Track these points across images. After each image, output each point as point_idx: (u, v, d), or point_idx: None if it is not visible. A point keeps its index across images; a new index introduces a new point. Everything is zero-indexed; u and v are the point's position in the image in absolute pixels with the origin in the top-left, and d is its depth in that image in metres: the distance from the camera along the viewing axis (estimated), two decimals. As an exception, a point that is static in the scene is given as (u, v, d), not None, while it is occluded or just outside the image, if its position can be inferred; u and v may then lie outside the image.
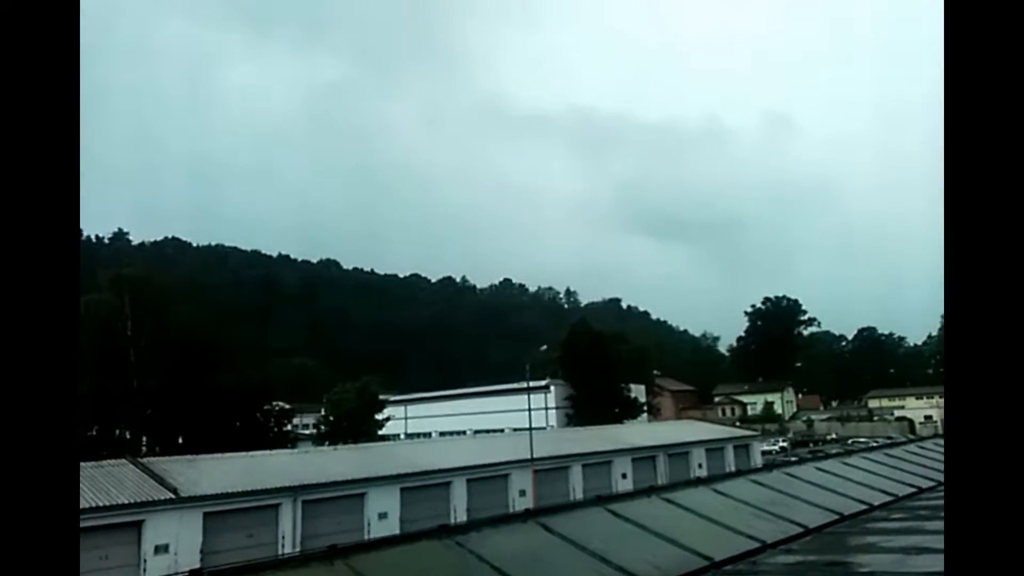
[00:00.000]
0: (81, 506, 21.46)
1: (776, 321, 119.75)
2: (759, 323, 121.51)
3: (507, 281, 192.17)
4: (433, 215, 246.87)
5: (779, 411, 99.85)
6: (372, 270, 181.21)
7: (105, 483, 23.69)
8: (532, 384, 49.38)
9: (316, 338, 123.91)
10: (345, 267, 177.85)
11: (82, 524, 20.99)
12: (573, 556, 6.71)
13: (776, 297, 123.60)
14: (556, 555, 6.76)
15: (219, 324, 76.48)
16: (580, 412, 60.01)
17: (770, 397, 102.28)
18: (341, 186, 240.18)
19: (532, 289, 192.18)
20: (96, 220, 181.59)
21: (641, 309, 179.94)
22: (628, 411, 62.69)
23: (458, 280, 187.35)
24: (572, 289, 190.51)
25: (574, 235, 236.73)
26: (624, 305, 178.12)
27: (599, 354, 62.29)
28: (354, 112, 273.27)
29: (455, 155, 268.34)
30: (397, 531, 27.29)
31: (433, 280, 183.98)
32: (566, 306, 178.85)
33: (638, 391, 67.05)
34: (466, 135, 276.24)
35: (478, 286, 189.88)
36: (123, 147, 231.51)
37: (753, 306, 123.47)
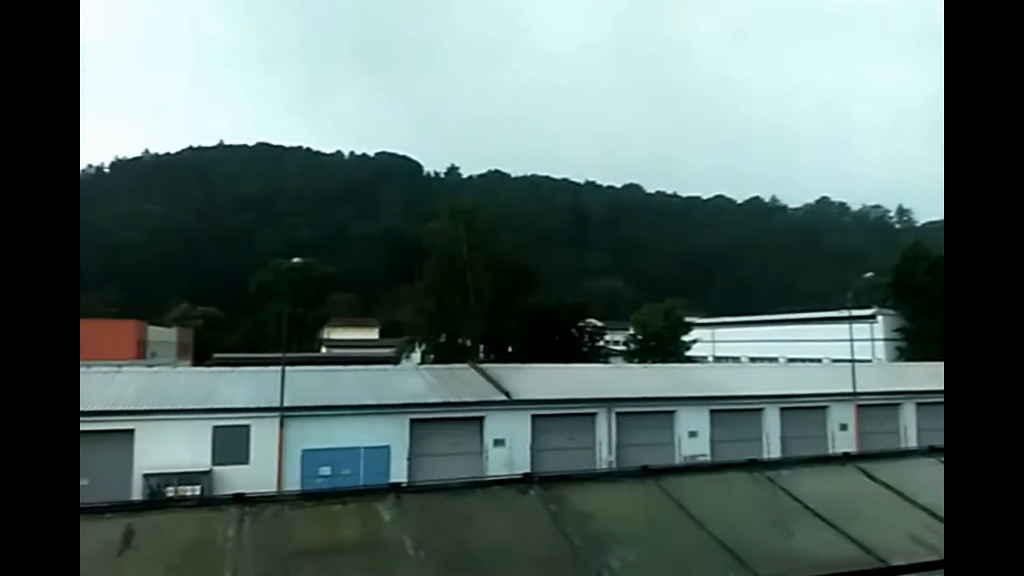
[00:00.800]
0: (435, 401, 25.78)
1: None
2: None
3: (824, 200, 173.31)
4: (738, 134, 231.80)
5: None
6: (675, 193, 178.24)
7: (454, 384, 28.04)
8: (855, 313, 44.77)
9: (621, 261, 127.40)
10: (648, 191, 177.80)
11: (436, 416, 25.31)
12: (900, 509, 6.21)
13: None
14: (880, 505, 6.30)
15: (536, 249, 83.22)
16: (915, 346, 52.83)
17: None
18: (645, 110, 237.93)
19: (854, 208, 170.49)
20: (434, 158, 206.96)
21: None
22: (979, 346, 53.30)
23: (767, 200, 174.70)
24: (905, 207, 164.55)
25: (906, 146, 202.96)
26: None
27: (940, 281, 53.66)
28: (658, 34, 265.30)
29: (762, 69, 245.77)
30: (707, 450, 27.73)
31: (739, 201, 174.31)
32: (897, 226, 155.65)
33: (994, 323, 56.44)
34: (773, 46, 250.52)
35: (790, 206, 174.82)
36: (451, 90, 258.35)
37: None
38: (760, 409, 29.41)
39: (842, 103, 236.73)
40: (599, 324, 56.74)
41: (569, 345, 48.91)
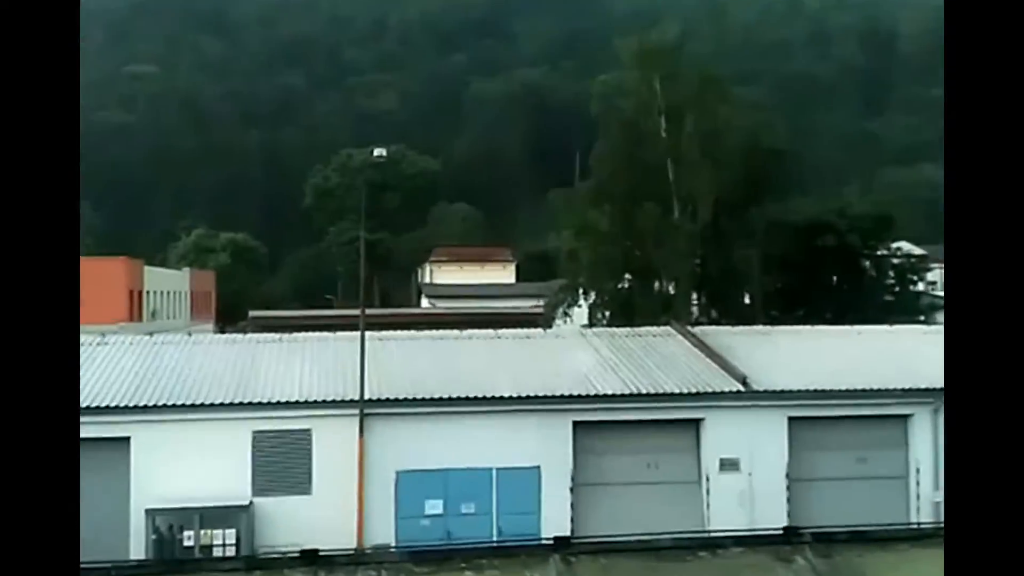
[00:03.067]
0: (616, 392, 26.17)
1: None
2: None
3: None
4: None
5: None
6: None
7: (645, 359, 28.30)
8: None
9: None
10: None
11: (617, 417, 25.90)
12: None
13: None
14: None
15: (795, 115, 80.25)
16: None
17: None
18: None
19: None
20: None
21: None
22: None
23: None
24: None
25: None
26: None
27: None
28: None
29: None
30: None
31: None
32: None
33: None
34: None
35: None
36: None
37: None
38: None
39: None
40: (915, 251, 54.60)
41: (859, 290, 47.62)
